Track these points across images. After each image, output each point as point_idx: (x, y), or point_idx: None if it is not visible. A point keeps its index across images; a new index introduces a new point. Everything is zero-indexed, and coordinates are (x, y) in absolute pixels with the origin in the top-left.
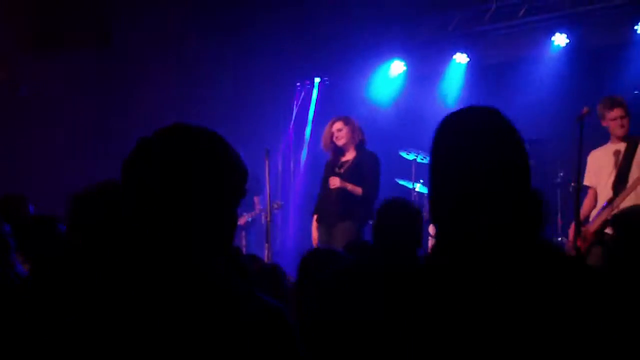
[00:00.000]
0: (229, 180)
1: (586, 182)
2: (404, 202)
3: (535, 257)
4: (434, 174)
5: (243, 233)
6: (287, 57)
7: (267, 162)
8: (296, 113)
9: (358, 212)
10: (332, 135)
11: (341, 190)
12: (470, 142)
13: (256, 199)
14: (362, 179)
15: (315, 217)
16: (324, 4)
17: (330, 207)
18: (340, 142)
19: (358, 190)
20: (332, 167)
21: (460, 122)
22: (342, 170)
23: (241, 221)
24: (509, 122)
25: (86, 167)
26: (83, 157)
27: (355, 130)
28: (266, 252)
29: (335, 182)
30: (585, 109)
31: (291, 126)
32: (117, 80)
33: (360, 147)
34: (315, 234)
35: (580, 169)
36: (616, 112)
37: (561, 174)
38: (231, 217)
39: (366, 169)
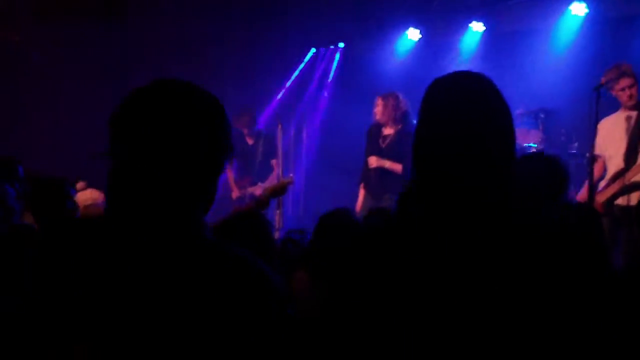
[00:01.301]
0: (222, 139)
1: (596, 151)
2: None
3: (506, 220)
4: (419, 132)
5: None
6: (302, 23)
7: (280, 127)
8: (313, 79)
9: (398, 187)
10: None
11: (380, 169)
12: (455, 104)
13: (274, 162)
14: (402, 155)
15: (361, 185)
16: None
17: (373, 180)
18: (378, 118)
19: (397, 167)
20: (375, 139)
21: (446, 85)
22: (383, 145)
23: (257, 190)
24: (495, 88)
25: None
26: (87, 126)
27: (392, 106)
28: (277, 218)
29: (372, 161)
30: (604, 79)
31: (310, 93)
32: (127, 49)
33: (401, 122)
34: (360, 200)
35: (594, 141)
36: (624, 82)
37: (576, 144)
38: (217, 178)
39: (406, 145)
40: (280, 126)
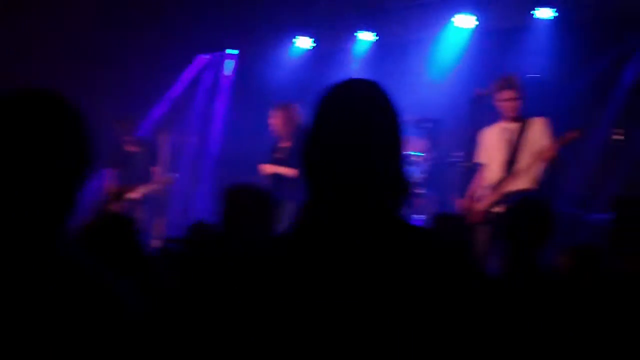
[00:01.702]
0: (80, 147)
1: (478, 160)
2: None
3: (388, 234)
4: (308, 139)
5: (139, 207)
6: (193, 29)
7: (159, 133)
8: (205, 85)
9: (294, 193)
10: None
11: (274, 175)
12: (345, 111)
13: (155, 170)
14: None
15: None
16: None
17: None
18: (274, 131)
19: (291, 172)
20: (273, 151)
21: (337, 93)
22: (280, 155)
23: (137, 194)
24: (386, 96)
25: None
26: None
27: (286, 118)
28: (156, 226)
29: (265, 169)
30: (478, 91)
31: (200, 100)
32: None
33: (296, 133)
34: None
35: (472, 150)
36: (507, 94)
37: (461, 153)
38: (76, 188)
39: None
40: (163, 134)
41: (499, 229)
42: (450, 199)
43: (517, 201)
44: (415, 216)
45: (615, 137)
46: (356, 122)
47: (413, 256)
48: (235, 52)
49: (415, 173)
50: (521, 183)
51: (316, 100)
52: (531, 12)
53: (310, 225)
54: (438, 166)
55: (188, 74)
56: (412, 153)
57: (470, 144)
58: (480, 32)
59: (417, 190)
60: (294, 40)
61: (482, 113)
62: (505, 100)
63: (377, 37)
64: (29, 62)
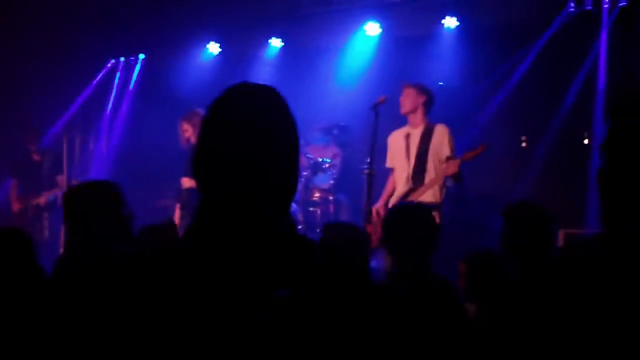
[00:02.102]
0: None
1: (388, 164)
2: None
3: (271, 247)
4: (199, 146)
5: (46, 214)
6: (100, 32)
7: (65, 140)
8: (113, 90)
9: None
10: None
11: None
12: (237, 117)
13: (59, 179)
14: None
15: (177, 205)
16: None
17: (187, 199)
18: (186, 141)
19: None
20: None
21: (230, 98)
22: None
23: (41, 200)
24: (282, 101)
25: None
26: None
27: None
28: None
29: (184, 182)
30: (381, 98)
31: (109, 105)
32: None
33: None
34: (177, 218)
35: (373, 157)
36: (406, 92)
37: (368, 160)
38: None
39: None
40: (65, 141)
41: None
42: (361, 205)
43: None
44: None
45: (522, 144)
46: (248, 128)
47: (294, 269)
48: (143, 56)
49: (325, 179)
50: (427, 197)
51: (209, 105)
52: (441, 22)
53: (199, 235)
54: (348, 172)
55: (97, 78)
56: (321, 160)
57: (371, 151)
58: (388, 40)
59: (328, 197)
60: (206, 46)
61: (382, 120)
62: (404, 97)
63: (284, 44)
64: None
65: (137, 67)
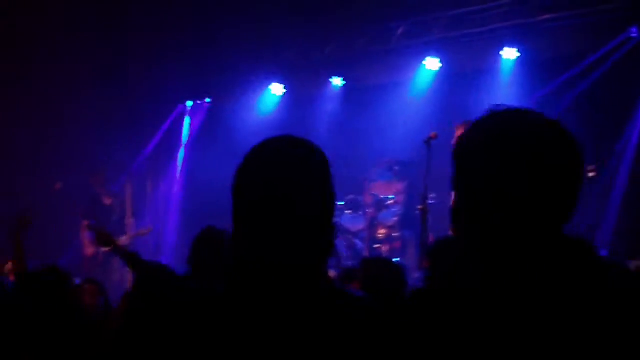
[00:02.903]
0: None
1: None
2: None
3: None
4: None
5: (116, 258)
6: (169, 78)
7: (133, 184)
8: (180, 134)
9: None
10: None
11: None
12: (266, 174)
13: (128, 222)
14: None
15: None
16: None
17: None
18: None
19: None
20: None
21: (262, 155)
22: None
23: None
24: (319, 157)
25: None
26: None
27: None
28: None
29: None
30: (433, 134)
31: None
32: None
33: None
34: None
35: (426, 192)
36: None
37: (434, 195)
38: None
39: None
40: (129, 185)
41: None
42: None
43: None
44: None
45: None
46: (277, 185)
47: (331, 327)
48: (207, 100)
49: (389, 216)
50: None
51: (241, 155)
52: (499, 53)
53: (235, 288)
54: (412, 208)
55: (167, 123)
56: (384, 197)
57: (424, 186)
58: (447, 74)
59: (393, 233)
60: (268, 87)
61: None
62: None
63: (345, 82)
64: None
65: (202, 110)
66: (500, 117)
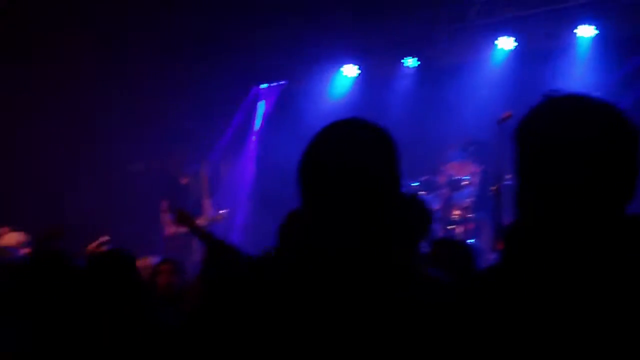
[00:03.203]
0: None
1: None
2: None
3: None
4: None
5: (195, 239)
6: (244, 61)
7: (209, 165)
8: (254, 117)
9: None
10: None
11: None
12: (338, 156)
13: (205, 203)
14: None
15: None
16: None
17: None
18: None
19: None
20: None
21: (329, 136)
22: None
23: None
24: (383, 140)
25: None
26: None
27: None
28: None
29: None
30: (507, 113)
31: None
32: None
33: None
34: None
35: (499, 173)
36: None
37: (507, 176)
38: None
39: None
40: (205, 167)
41: None
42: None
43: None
44: (468, 241)
45: None
46: (344, 167)
47: (403, 305)
48: (280, 82)
49: (464, 197)
50: None
51: (311, 138)
52: (573, 31)
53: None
54: (488, 189)
55: (239, 107)
56: (459, 177)
57: (498, 167)
58: (522, 53)
59: (467, 215)
60: (340, 69)
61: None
62: None
63: (419, 62)
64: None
65: (275, 93)
66: (558, 102)
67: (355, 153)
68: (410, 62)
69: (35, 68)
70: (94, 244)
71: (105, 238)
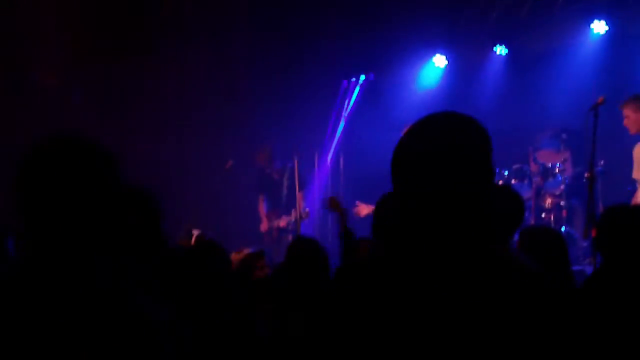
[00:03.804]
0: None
1: (635, 176)
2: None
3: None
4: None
5: (289, 236)
6: (334, 54)
7: (296, 160)
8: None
9: None
10: None
11: None
12: (431, 149)
13: (298, 196)
14: None
15: None
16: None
17: None
18: None
19: None
20: None
21: (423, 128)
22: None
23: (282, 223)
24: (478, 134)
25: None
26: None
27: None
28: None
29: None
30: (600, 99)
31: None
32: (163, 85)
33: None
34: None
35: (593, 160)
36: (626, 112)
37: (602, 162)
38: None
39: None
40: (296, 159)
41: None
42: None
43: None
44: (561, 228)
45: None
46: (437, 161)
47: (498, 290)
48: (367, 75)
49: (556, 185)
50: None
51: (403, 129)
52: None
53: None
54: (580, 177)
55: (331, 99)
56: (551, 165)
57: (592, 154)
58: (613, 38)
59: (560, 202)
60: (430, 59)
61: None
62: (624, 117)
63: (508, 50)
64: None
65: (361, 85)
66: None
67: (453, 145)
68: (500, 50)
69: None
70: (188, 237)
71: (198, 231)
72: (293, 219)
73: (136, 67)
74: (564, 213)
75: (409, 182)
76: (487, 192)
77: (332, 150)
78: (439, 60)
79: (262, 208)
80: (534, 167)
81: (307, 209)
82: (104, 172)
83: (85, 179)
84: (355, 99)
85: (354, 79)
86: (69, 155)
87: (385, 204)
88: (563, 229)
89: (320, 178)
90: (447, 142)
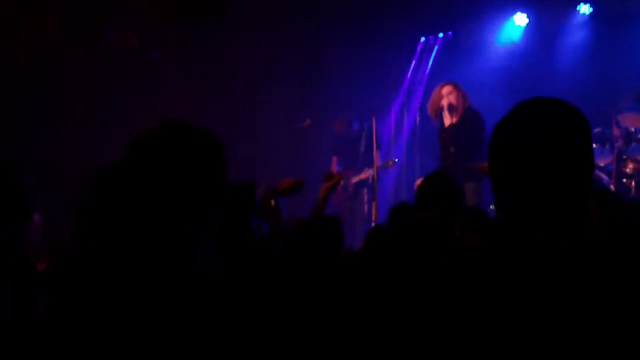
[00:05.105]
0: None
1: None
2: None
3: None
4: (499, 162)
5: (365, 190)
6: (413, 12)
7: (374, 120)
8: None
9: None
10: (440, 98)
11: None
12: (529, 136)
13: (375, 155)
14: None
15: None
16: None
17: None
18: (452, 104)
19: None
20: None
21: (525, 117)
22: (446, 135)
23: (362, 176)
24: (576, 118)
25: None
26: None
27: (463, 95)
28: (373, 210)
29: None
30: None
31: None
32: (231, 46)
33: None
34: None
35: None
36: None
37: None
38: None
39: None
40: (374, 119)
41: None
42: None
43: None
44: None
45: None
46: (536, 148)
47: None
48: (447, 33)
49: (638, 150)
50: None
51: (505, 117)
52: None
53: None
54: None
55: (408, 58)
56: (635, 129)
57: None
58: None
59: None
60: (511, 17)
61: None
62: None
63: (593, 9)
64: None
65: (444, 43)
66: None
67: (558, 131)
68: (584, 8)
69: None
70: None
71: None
72: (371, 174)
73: (214, 27)
74: None
75: (518, 168)
76: (589, 175)
77: (408, 109)
78: (520, 19)
79: (335, 167)
80: (616, 131)
81: (394, 158)
82: (211, 163)
83: (192, 168)
84: (434, 58)
85: (432, 37)
86: (179, 141)
87: (432, 181)
88: None
89: (397, 138)
90: (557, 133)
